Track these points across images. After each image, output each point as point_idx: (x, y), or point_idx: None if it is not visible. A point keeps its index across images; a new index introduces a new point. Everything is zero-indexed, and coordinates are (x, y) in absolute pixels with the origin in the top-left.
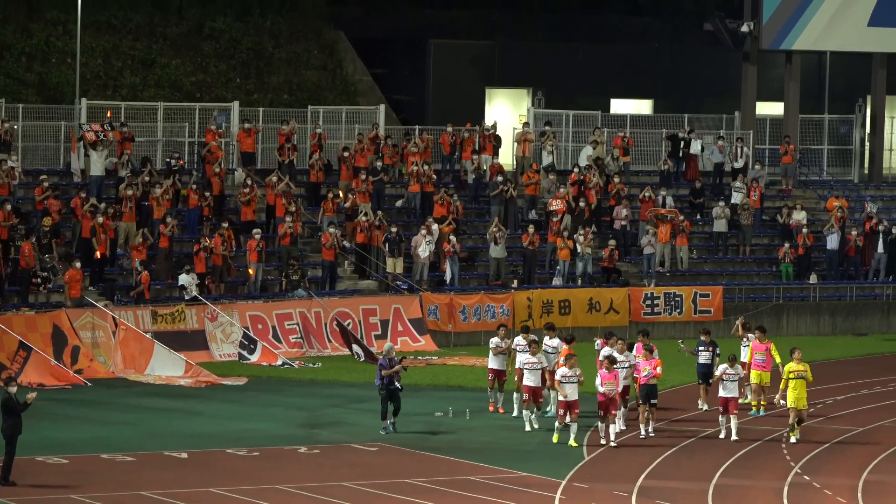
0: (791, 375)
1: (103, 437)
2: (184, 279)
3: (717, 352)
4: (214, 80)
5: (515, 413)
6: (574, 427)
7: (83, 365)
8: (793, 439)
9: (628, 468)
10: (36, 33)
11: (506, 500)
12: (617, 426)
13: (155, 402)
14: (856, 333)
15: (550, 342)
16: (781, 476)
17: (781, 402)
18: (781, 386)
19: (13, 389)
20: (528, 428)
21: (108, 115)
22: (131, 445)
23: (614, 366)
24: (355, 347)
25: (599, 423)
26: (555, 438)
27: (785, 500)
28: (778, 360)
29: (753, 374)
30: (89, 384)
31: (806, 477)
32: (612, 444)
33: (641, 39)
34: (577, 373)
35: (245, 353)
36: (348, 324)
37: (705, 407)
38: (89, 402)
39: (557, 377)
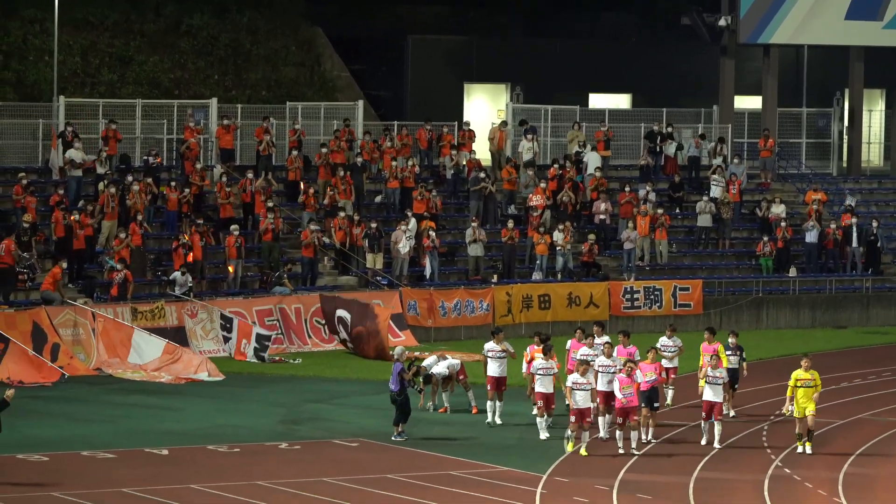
0: (798, 384)
1: (83, 435)
2: (178, 278)
3: (744, 356)
4: (192, 76)
5: (489, 419)
6: (585, 435)
7: (63, 362)
8: (800, 449)
9: (609, 462)
10: (13, 31)
11: (487, 494)
12: (640, 434)
13: (135, 398)
14: (836, 326)
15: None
16: (762, 469)
17: (790, 408)
18: (788, 394)
19: None
20: (542, 436)
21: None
22: (111, 442)
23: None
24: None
25: (618, 431)
26: (569, 447)
27: (766, 493)
28: (725, 363)
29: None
30: (66, 376)
31: (787, 470)
32: (635, 452)
33: (617, 34)
34: (589, 380)
35: (226, 333)
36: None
37: (732, 413)
38: (69, 400)
39: (568, 384)
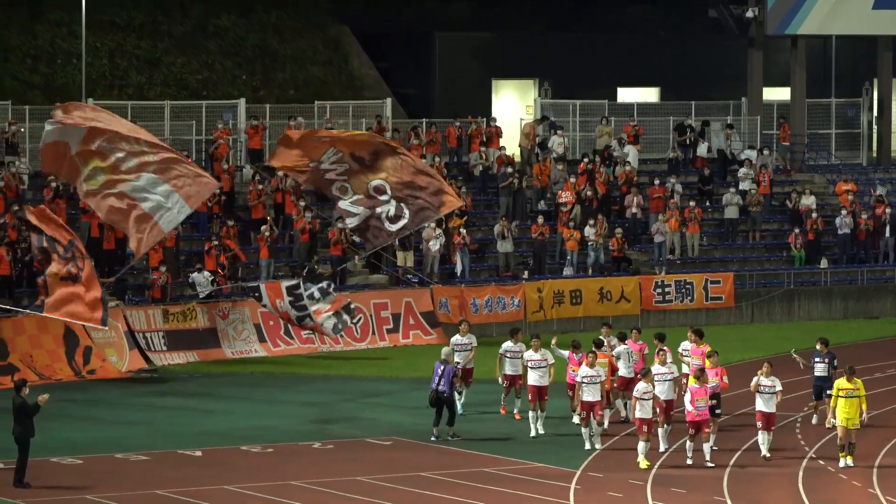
0: (840, 393)
1: (117, 437)
2: (196, 278)
3: (836, 363)
4: (220, 77)
5: (532, 432)
6: (598, 430)
7: (96, 365)
8: (842, 462)
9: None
10: (40, 34)
11: (521, 491)
12: (662, 443)
13: (167, 401)
14: (868, 317)
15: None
16: (796, 461)
17: (832, 420)
18: (832, 404)
19: (26, 393)
20: (532, 433)
21: None
22: (145, 444)
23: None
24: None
25: (688, 443)
26: (588, 444)
27: (800, 485)
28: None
29: (692, 381)
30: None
31: (821, 462)
32: (709, 464)
33: (645, 28)
34: (600, 372)
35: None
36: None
37: (828, 423)
38: (102, 402)
39: (578, 378)
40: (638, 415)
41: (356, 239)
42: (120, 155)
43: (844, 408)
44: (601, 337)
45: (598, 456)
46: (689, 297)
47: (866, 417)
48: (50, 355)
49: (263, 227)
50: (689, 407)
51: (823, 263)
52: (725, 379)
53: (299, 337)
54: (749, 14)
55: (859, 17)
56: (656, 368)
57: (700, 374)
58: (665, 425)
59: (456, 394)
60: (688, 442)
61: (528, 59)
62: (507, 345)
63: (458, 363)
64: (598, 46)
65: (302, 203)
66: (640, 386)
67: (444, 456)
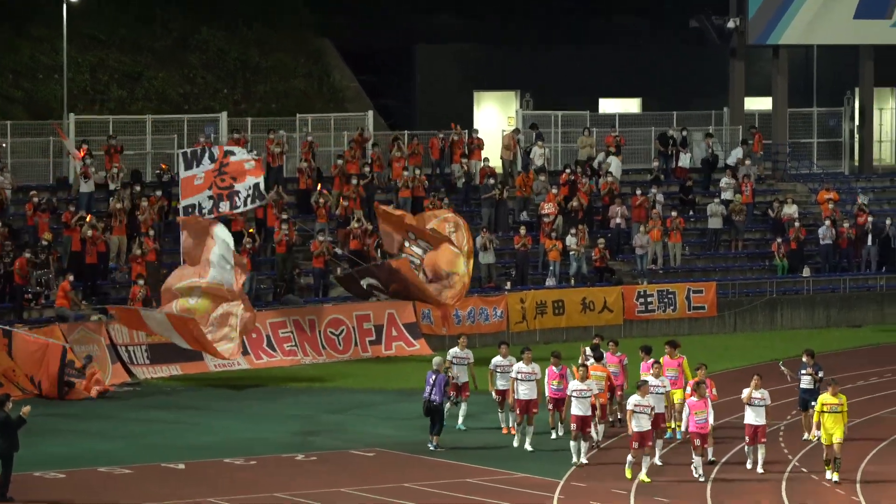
0: (825, 409)
1: (101, 451)
2: None
3: (822, 375)
4: (202, 91)
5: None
6: (586, 445)
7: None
8: (828, 475)
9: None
10: (22, 49)
11: (505, 501)
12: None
13: (151, 413)
14: (851, 325)
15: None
16: (780, 469)
17: (816, 433)
18: (815, 419)
19: (9, 408)
20: (515, 444)
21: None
22: (128, 458)
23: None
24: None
25: (695, 457)
26: (575, 458)
27: (783, 493)
28: (689, 376)
29: (678, 394)
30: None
31: (804, 469)
32: (701, 478)
33: (626, 39)
34: (590, 386)
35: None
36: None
37: (812, 437)
38: (86, 416)
39: (568, 392)
40: (634, 428)
41: (338, 251)
42: None
43: (829, 423)
44: (598, 349)
45: (582, 466)
46: (671, 307)
47: (846, 431)
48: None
49: (245, 240)
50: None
51: (806, 272)
52: (715, 391)
53: (282, 349)
54: (731, 24)
55: (840, 27)
56: (651, 381)
57: (698, 388)
58: (658, 439)
59: (452, 405)
60: (695, 457)
61: (509, 70)
62: (497, 359)
63: (454, 377)
64: (580, 57)
65: (284, 216)
66: (634, 399)
67: (428, 467)
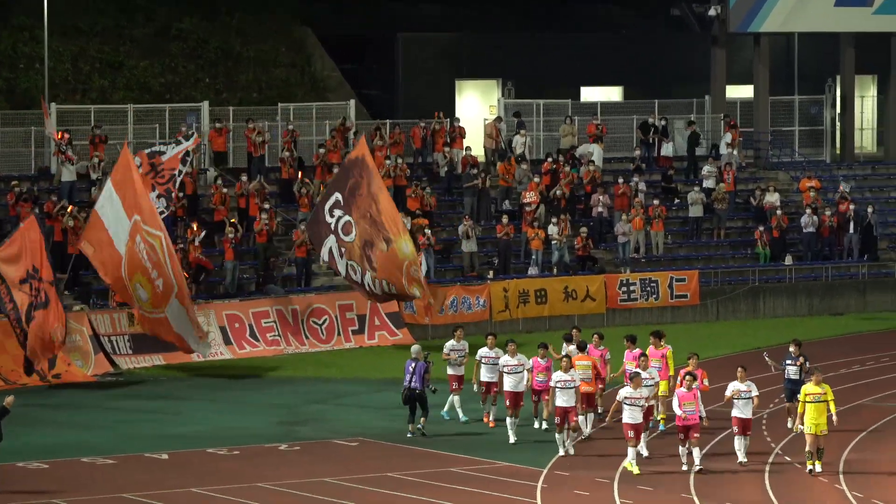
0: (808, 399)
1: (83, 441)
2: None
3: (808, 366)
4: (183, 80)
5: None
6: (574, 436)
7: (61, 369)
8: (810, 467)
9: (608, 455)
10: (3, 39)
11: (489, 490)
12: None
13: (134, 403)
14: (833, 313)
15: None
16: (763, 457)
17: (800, 427)
18: (799, 410)
19: None
20: (511, 440)
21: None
22: (111, 448)
23: (694, 384)
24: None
25: (681, 448)
26: (562, 450)
27: (766, 481)
28: (672, 368)
29: (663, 386)
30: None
31: (787, 458)
32: (699, 467)
33: (607, 27)
34: (574, 377)
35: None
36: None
37: (796, 429)
38: (68, 406)
39: (552, 383)
40: (625, 420)
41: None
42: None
43: (812, 414)
44: (572, 339)
45: (565, 454)
46: (654, 296)
47: (836, 420)
48: (14, 360)
49: (228, 229)
50: (677, 411)
51: (788, 260)
52: (706, 381)
53: (265, 339)
54: (711, 12)
55: (821, 15)
56: (642, 374)
57: (687, 378)
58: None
59: (456, 408)
60: (680, 447)
61: (491, 59)
62: (484, 350)
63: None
64: (561, 46)
65: (266, 205)
66: (624, 391)
67: (412, 456)
